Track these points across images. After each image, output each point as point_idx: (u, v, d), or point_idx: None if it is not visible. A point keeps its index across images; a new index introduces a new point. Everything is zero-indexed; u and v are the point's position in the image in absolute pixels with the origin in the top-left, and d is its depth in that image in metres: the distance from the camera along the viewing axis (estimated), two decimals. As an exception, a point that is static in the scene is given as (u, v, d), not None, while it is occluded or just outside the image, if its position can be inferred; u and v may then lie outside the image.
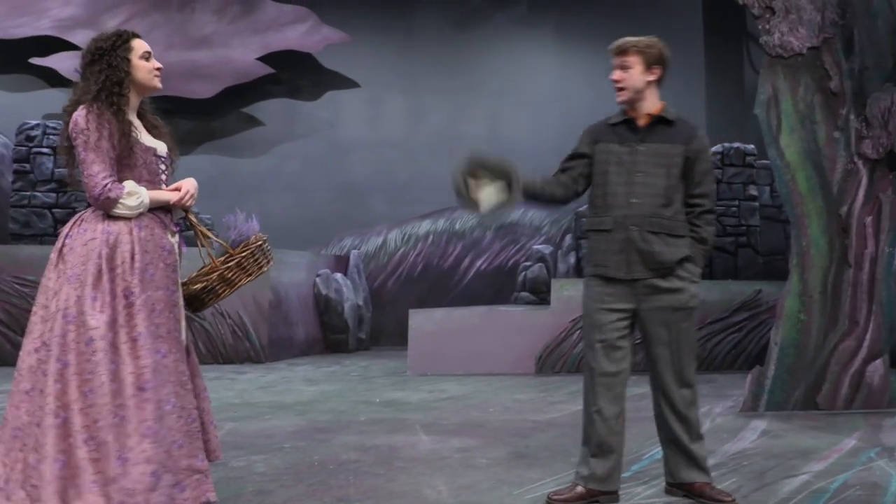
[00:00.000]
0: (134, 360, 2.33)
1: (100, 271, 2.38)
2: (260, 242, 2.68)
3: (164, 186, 2.61)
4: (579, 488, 2.90)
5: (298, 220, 10.49)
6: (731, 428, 4.46)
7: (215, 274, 2.61)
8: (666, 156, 2.89)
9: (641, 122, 2.95)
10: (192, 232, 2.70)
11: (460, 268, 10.81)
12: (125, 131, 2.47)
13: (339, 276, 9.52)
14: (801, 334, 4.95)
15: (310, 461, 3.60)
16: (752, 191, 8.64)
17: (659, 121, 2.94)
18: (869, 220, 4.99)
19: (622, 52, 2.94)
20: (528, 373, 7.24)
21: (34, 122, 8.62)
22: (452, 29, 11.39)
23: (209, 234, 2.68)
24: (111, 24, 9.84)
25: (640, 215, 2.86)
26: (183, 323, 2.57)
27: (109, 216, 2.45)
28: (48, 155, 8.48)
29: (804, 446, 3.93)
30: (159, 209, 2.56)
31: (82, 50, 2.58)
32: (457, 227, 10.87)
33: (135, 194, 2.46)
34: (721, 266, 8.45)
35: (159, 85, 2.62)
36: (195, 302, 2.64)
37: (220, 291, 2.63)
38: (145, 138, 2.58)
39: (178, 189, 2.60)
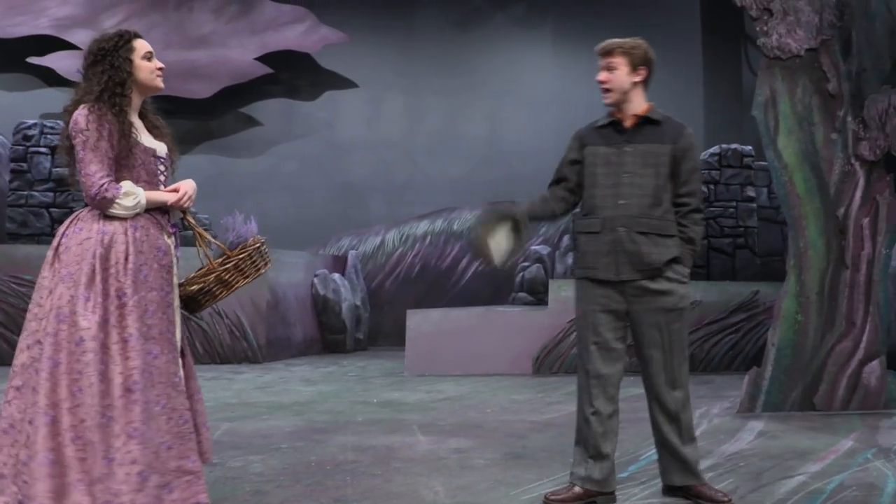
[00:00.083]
0: (124, 361, 2.33)
1: (93, 271, 2.38)
2: (258, 245, 2.67)
3: (162, 187, 2.61)
4: (576, 489, 2.90)
5: (296, 220, 10.49)
6: (728, 429, 4.47)
7: (212, 276, 2.60)
8: (654, 155, 2.89)
9: (628, 123, 2.95)
10: (190, 233, 2.69)
11: (458, 268, 10.81)
12: (125, 132, 2.47)
13: (336, 276, 9.51)
14: (798, 335, 4.96)
15: (307, 461, 3.60)
16: (750, 192, 8.65)
17: (645, 121, 2.95)
18: (866, 221, 5.00)
19: (607, 53, 2.95)
20: (525, 373, 7.24)
21: (31, 122, 8.60)
22: (452, 29, 11.38)
23: (207, 235, 2.67)
24: (109, 23, 9.84)
25: (628, 216, 2.86)
26: (178, 324, 2.57)
27: (105, 216, 2.44)
28: (45, 154, 8.47)
29: (801, 447, 3.94)
30: (156, 210, 2.55)
31: (84, 50, 2.58)
32: (455, 227, 10.88)
33: (132, 195, 2.45)
34: (718, 267, 8.46)
35: (161, 85, 2.62)
36: (191, 303, 2.64)
37: (216, 293, 2.62)
38: (145, 139, 2.58)
39: (176, 190, 2.59)
